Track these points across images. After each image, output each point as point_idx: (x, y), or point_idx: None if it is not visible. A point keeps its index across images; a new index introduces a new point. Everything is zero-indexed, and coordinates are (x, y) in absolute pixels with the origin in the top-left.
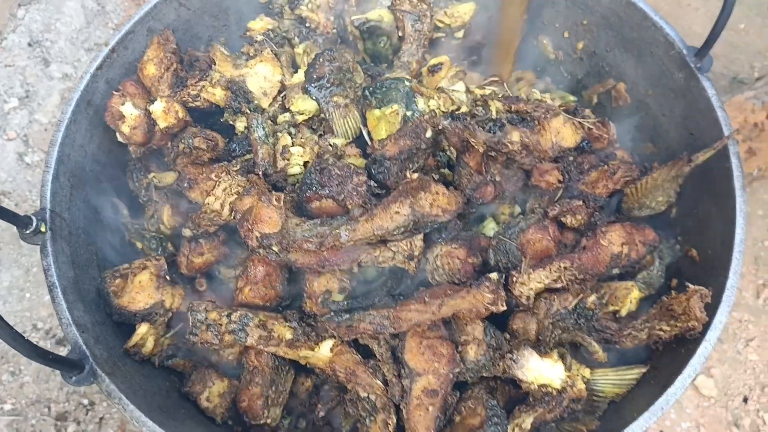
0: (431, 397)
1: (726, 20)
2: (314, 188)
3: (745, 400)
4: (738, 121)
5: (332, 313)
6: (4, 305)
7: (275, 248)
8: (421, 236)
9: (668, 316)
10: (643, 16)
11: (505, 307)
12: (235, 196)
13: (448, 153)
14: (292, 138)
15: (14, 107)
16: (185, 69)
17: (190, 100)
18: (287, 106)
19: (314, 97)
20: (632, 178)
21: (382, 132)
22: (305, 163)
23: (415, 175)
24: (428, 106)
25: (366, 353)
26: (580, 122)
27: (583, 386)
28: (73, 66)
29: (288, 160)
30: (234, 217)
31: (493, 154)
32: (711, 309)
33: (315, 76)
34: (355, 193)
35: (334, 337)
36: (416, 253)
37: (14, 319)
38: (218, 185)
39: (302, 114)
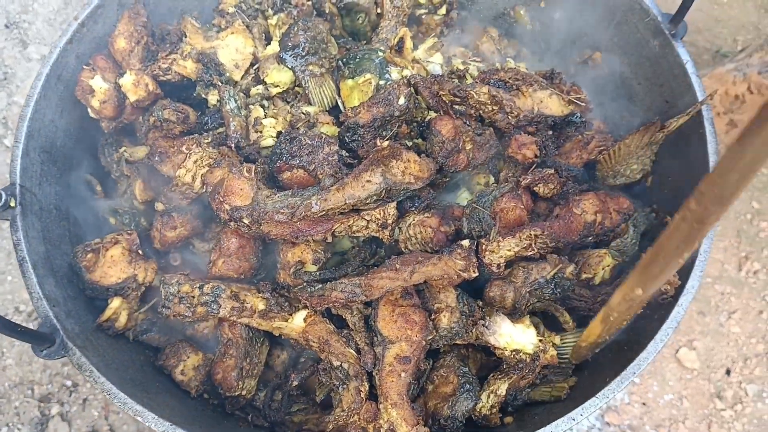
0: (403, 364)
1: None
2: (284, 158)
3: (728, 372)
4: (719, 93)
5: (305, 284)
6: None
7: (246, 221)
8: (394, 204)
9: None
10: None
11: (476, 274)
12: (207, 168)
13: (421, 120)
14: (264, 110)
15: None
16: (156, 43)
17: (161, 73)
18: (262, 78)
19: (290, 66)
20: (606, 148)
21: (355, 101)
22: (278, 134)
23: (386, 143)
24: (401, 76)
25: (340, 324)
26: (569, 99)
27: (554, 353)
28: (51, 47)
29: (260, 132)
30: (206, 190)
31: (461, 108)
32: (684, 274)
33: (290, 45)
34: (326, 163)
35: (307, 308)
36: (390, 222)
37: None
38: (189, 157)
39: (276, 86)
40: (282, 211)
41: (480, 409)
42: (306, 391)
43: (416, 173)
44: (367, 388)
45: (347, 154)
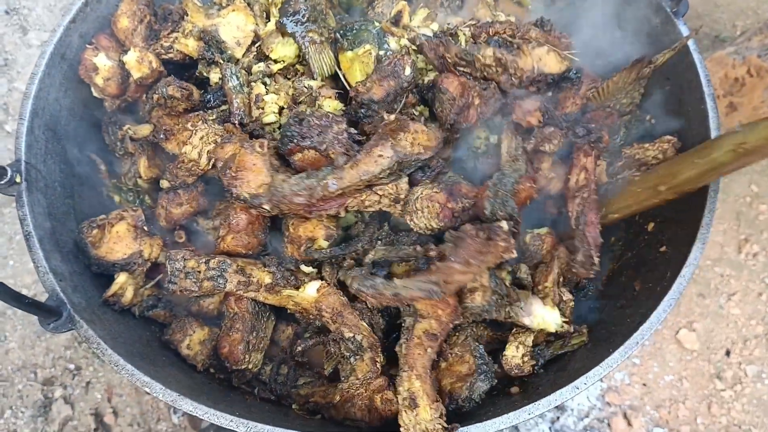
0: (431, 340)
1: None
2: (295, 140)
3: (728, 353)
4: (718, 76)
5: (359, 276)
6: None
7: (267, 206)
8: (405, 179)
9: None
10: None
11: (515, 254)
12: (213, 144)
13: (420, 85)
14: (266, 87)
15: None
16: (159, 22)
17: (164, 51)
18: (267, 53)
19: (290, 31)
20: (597, 88)
21: (357, 73)
22: (281, 110)
23: (392, 116)
24: (400, 45)
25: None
26: (565, 54)
27: (569, 327)
28: (51, 33)
29: (262, 108)
30: (214, 166)
31: (467, 70)
32: (685, 247)
33: (290, 11)
34: (336, 142)
35: (322, 279)
36: (402, 196)
37: None
38: (195, 134)
39: (279, 62)
40: (300, 193)
41: (510, 360)
42: (311, 365)
43: (425, 143)
44: (383, 359)
45: (356, 132)
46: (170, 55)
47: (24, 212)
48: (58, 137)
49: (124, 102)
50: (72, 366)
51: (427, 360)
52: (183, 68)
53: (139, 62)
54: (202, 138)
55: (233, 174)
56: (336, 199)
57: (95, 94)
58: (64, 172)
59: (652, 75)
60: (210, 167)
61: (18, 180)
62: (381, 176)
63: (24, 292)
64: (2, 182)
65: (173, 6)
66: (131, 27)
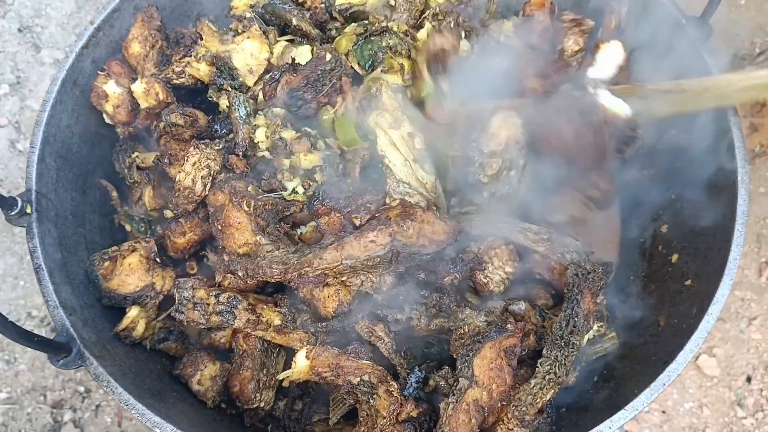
0: (478, 412)
1: None
2: (322, 200)
3: (749, 379)
4: None
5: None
6: None
7: (240, 273)
8: (392, 275)
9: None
10: None
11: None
12: (206, 170)
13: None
14: (264, 120)
15: (5, 93)
16: (171, 46)
17: (175, 76)
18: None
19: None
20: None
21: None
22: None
23: (396, 201)
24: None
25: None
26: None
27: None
28: (64, 51)
29: (257, 143)
30: (208, 209)
31: None
32: (713, 282)
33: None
34: (363, 209)
35: (304, 345)
36: (384, 289)
37: (8, 307)
38: (187, 160)
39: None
40: (275, 267)
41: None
42: (327, 402)
43: (432, 236)
44: (397, 386)
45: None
46: (182, 80)
47: (34, 244)
48: (69, 165)
49: (134, 129)
50: (82, 389)
51: (471, 429)
52: (195, 93)
53: (146, 93)
54: (194, 164)
55: (219, 227)
56: (312, 279)
57: (107, 120)
58: (75, 201)
59: None
60: (206, 193)
61: (28, 210)
62: (370, 263)
63: (34, 313)
64: (12, 213)
65: (185, 30)
66: (143, 53)
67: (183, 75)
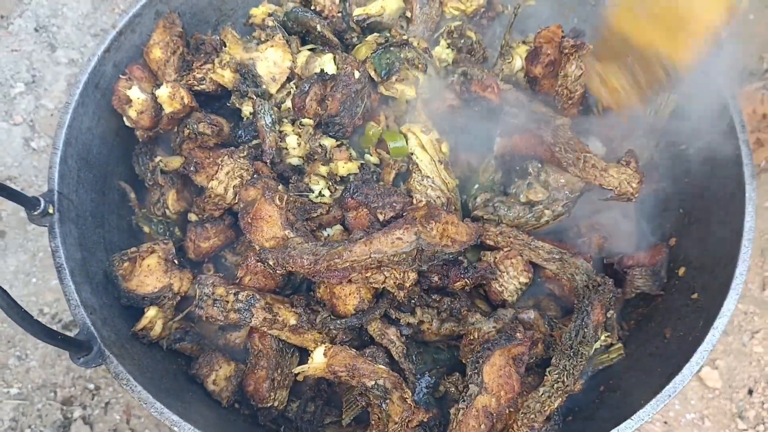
0: (486, 417)
1: None
2: (354, 195)
3: (750, 392)
4: (747, 111)
5: None
6: (10, 290)
7: (271, 262)
8: (415, 272)
9: None
10: None
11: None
12: (239, 180)
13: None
14: (292, 128)
15: (21, 92)
16: (191, 53)
17: (196, 83)
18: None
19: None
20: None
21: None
22: (304, 157)
23: (423, 202)
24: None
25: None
26: None
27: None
28: (79, 51)
29: (285, 148)
30: (238, 203)
31: None
32: (719, 296)
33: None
34: (388, 207)
35: (323, 343)
36: (407, 285)
37: (21, 303)
38: (221, 169)
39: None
40: (305, 257)
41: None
42: (339, 405)
43: (455, 236)
44: (410, 394)
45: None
46: (203, 87)
47: (56, 244)
48: (89, 166)
49: (155, 133)
50: (92, 386)
51: None
52: (214, 99)
53: (171, 97)
54: (228, 173)
55: (249, 220)
56: (340, 271)
57: (127, 123)
58: (95, 202)
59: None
60: (236, 201)
61: (51, 211)
62: (396, 259)
63: (45, 310)
64: (35, 213)
65: (206, 36)
66: (164, 58)
67: (204, 81)
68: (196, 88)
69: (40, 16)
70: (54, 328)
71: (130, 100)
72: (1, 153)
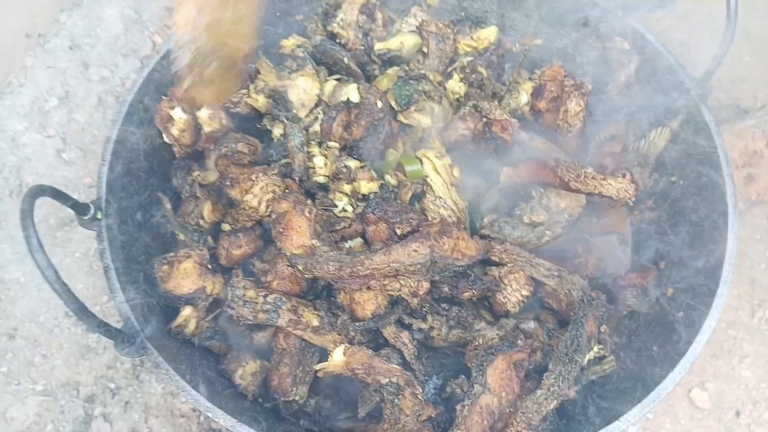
0: (489, 415)
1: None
2: (375, 211)
3: (738, 414)
4: (739, 147)
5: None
6: (39, 291)
7: (300, 267)
8: (428, 281)
9: None
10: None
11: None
12: (271, 194)
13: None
14: (319, 149)
15: (54, 106)
16: None
17: (232, 106)
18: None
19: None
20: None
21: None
22: (330, 176)
23: (437, 219)
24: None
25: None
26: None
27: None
28: (110, 70)
29: (312, 168)
30: (269, 216)
31: None
32: (703, 315)
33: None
34: (405, 222)
35: (342, 343)
36: (420, 293)
37: (48, 305)
38: (256, 184)
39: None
40: (331, 264)
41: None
42: (353, 402)
43: (465, 250)
44: (422, 390)
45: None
46: (238, 110)
47: (104, 246)
48: (131, 177)
49: (192, 150)
50: (113, 385)
51: (482, 430)
52: (246, 120)
53: (210, 118)
54: (262, 188)
55: (280, 230)
56: (362, 278)
57: (166, 140)
58: (135, 210)
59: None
60: (267, 215)
61: (99, 216)
62: (411, 269)
63: (71, 313)
64: (86, 218)
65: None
66: None
67: (239, 105)
68: (232, 110)
69: (75, 36)
70: (80, 327)
71: (173, 119)
72: (35, 163)
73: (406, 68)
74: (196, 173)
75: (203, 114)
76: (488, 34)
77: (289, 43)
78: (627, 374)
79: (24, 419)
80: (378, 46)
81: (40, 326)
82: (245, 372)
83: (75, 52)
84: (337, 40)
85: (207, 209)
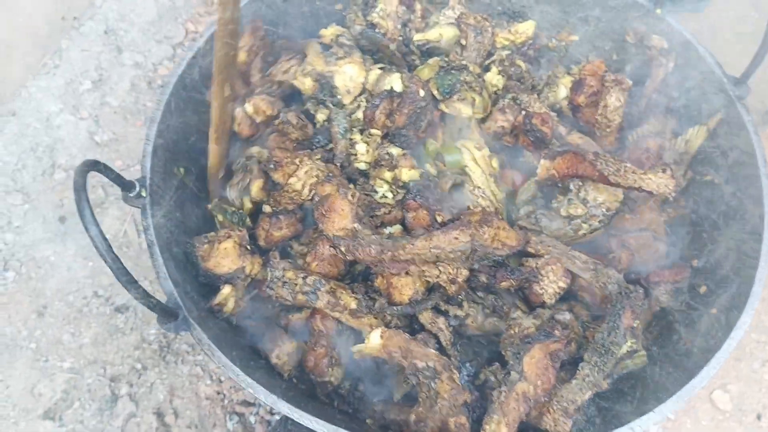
0: (525, 402)
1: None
2: (416, 197)
3: (759, 417)
4: None
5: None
6: (68, 272)
7: (342, 248)
8: (467, 269)
9: None
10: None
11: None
12: (315, 179)
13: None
14: (361, 136)
15: (88, 89)
16: (273, 56)
17: (276, 86)
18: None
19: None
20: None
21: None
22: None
23: (479, 208)
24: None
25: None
26: None
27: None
28: (143, 55)
29: (354, 154)
30: (312, 199)
31: None
32: (736, 312)
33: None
34: (446, 210)
35: (379, 326)
36: (459, 280)
37: (77, 284)
38: (301, 168)
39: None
40: (373, 247)
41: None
42: (385, 385)
43: (505, 240)
44: (458, 375)
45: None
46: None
47: (148, 222)
48: (174, 156)
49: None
50: (139, 366)
51: (517, 417)
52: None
53: (255, 112)
54: (306, 172)
55: (323, 212)
56: (402, 263)
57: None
58: (177, 189)
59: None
60: (309, 198)
61: (143, 194)
62: (452, 256)
63: (100, 292)
64: (131, 195)
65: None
66: (248, 60)
67: (282, 84)
68: (273, 94)
69: (110, 20)
70: (107, 309)
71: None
72: (68, 144)
73: (446, 59)
74: (255, 149)
75: (247, 109)
76: (526, 28)
77: (329, 32)
78: (659, 369)
79: (51, 395)
80: (417, 37)
81: (69, 305)
82: (282, 352)
83: (109, 36)
84: (376, 30)
85: (257, 186)
